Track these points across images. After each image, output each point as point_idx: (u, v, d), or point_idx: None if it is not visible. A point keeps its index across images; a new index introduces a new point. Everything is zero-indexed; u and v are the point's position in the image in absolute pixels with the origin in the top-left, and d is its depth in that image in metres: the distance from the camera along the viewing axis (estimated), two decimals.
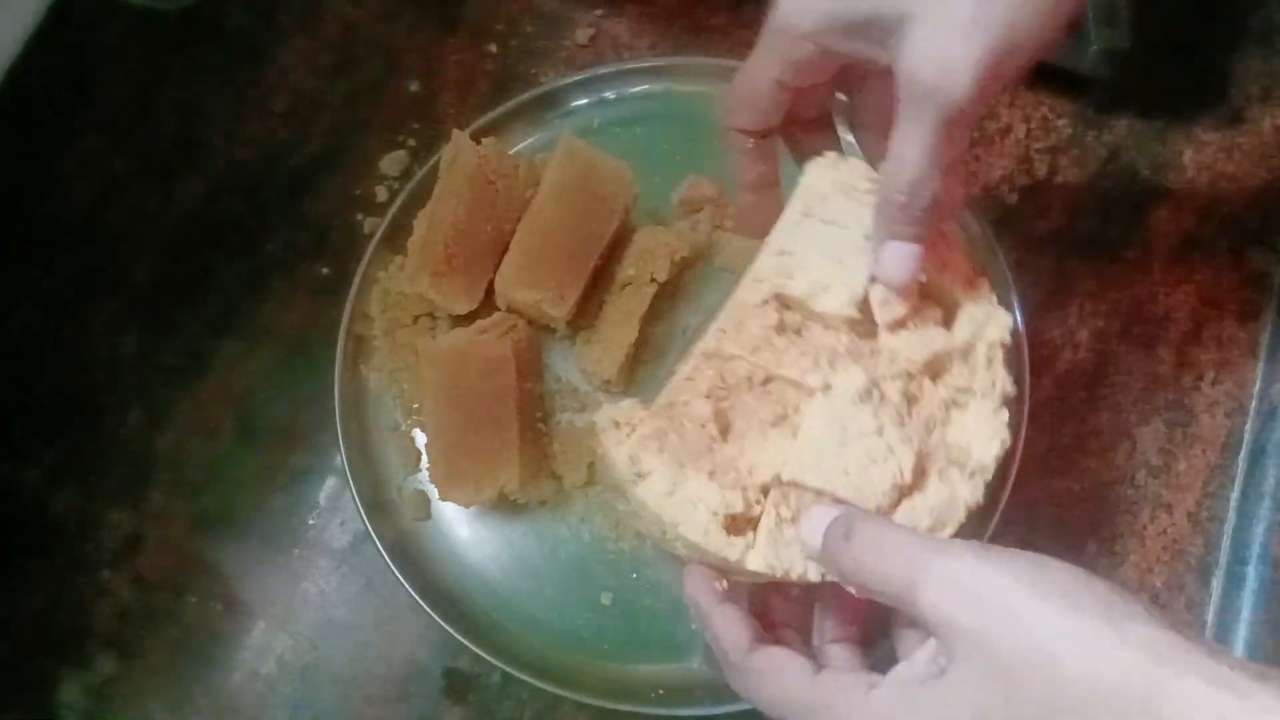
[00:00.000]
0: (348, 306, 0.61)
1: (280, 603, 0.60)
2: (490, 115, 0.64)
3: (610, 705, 0.56)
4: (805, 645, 0.46)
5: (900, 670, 0.39)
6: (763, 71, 0.47)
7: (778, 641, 0.43)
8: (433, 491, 0.58)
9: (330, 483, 0.62)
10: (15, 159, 0.67)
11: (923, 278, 0.46)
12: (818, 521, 0.42)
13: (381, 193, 0.67)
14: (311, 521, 0.61)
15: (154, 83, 0.70)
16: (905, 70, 0.41)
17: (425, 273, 0.58)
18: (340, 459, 0.59)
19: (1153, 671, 0.33)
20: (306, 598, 0.60)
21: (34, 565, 0.61)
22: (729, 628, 0.43)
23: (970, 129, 0.44)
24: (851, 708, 0.38)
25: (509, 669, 0.55)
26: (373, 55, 0.70)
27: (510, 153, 0.62)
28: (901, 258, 0.45)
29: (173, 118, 0.69)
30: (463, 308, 0.59)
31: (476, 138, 0.60)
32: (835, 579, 0.41)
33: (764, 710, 0.42)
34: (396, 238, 0.61)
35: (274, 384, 0.63)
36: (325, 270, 0.65)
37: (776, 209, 0.50)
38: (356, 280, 0.61)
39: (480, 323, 0.58)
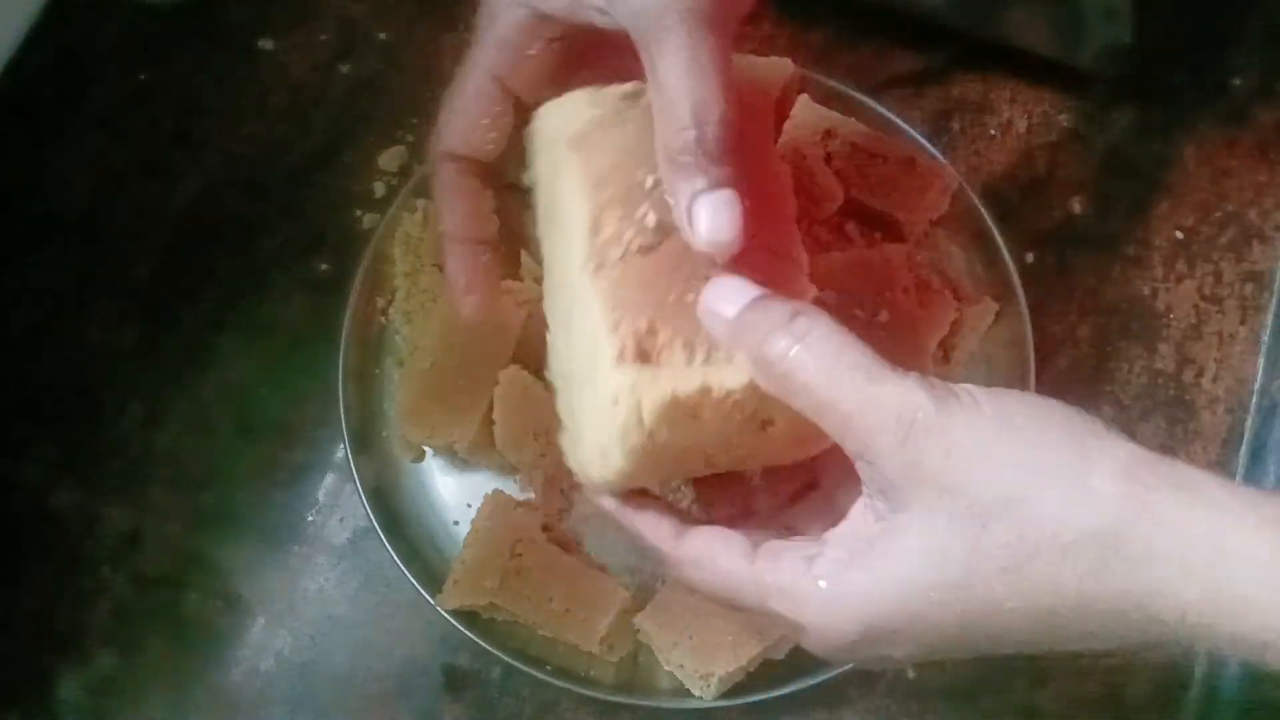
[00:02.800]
0: (372, 241, 0.61)
1: (279, 599, 0.60)
2: None
3: (612, 699, 0.56)
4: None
5: (840, 531, 0.35)
6: (475, 66, 0.41)
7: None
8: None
9: (330, 479, 0.62)
10: (12, 155, 0.67)
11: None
12: (733, 293, 0.35)
13: (380, 189, 0.66)
14: (311, 518, 0.61)
15: (152, 79, 0.69)
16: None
17: None
18: (338, 403, 0.59)
19: (1122, 506, 0.31)
20: (306, 594, 0.60)
21: (33, 562, 0.61)
22: (648, 522, 0.39)
23: (727, 37, 0.37)
24: (796, 581, 0.35)
25: (502, 654, 0.55)
26: (371, 51, 0.70)
27: None
28: (717, 208, 0.35)
29: (170, 114, 0.69)
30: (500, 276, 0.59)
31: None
32: (754, 373, 0.35)
33: (711, 600, 0.38)
34: (426, 186, 0.61)
35: (273, 380, 0.63)
36: (324, 266, 0.65)
37: (493, 272, 0.44)
38: (383, 223, 0.62)
39: (508, 282, 0.58)
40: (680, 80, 0.35)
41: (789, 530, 0.39)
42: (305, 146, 0.68)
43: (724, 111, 0.36)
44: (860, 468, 0.34)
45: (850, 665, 0.37)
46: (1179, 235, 0.65)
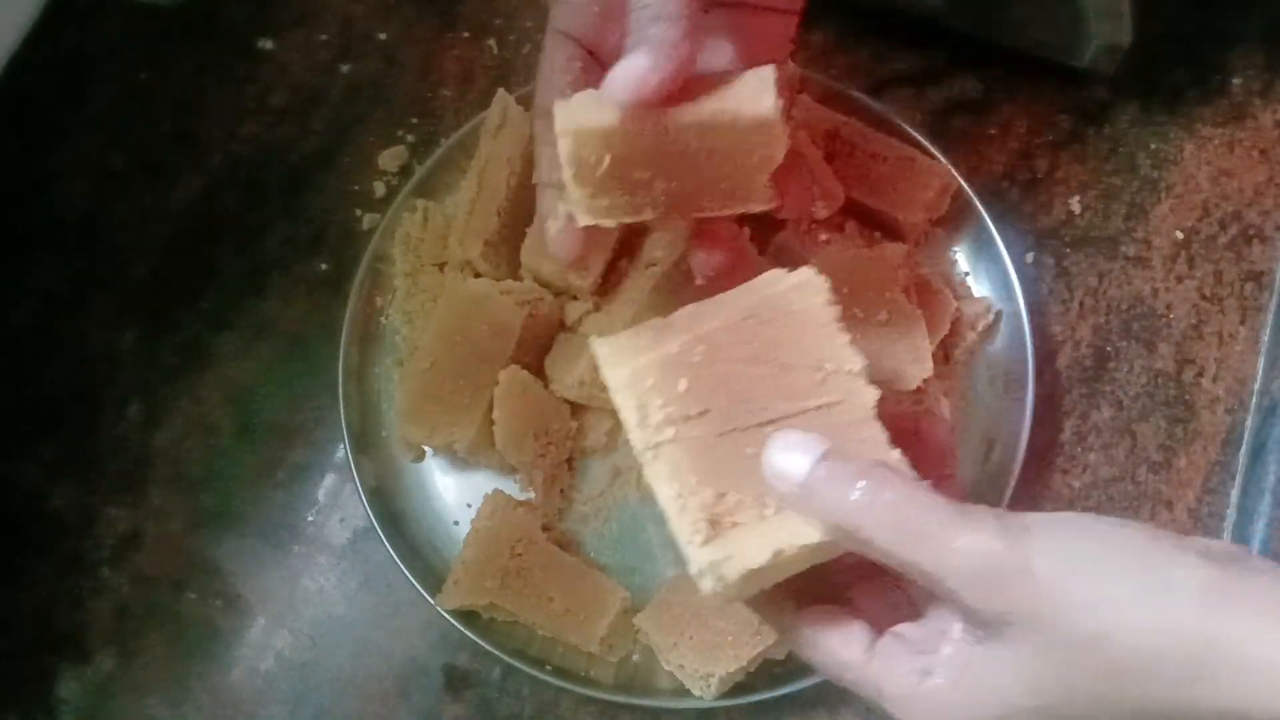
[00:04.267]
0: (372, 241, 0.62)
1: (279, 599, 0.60)
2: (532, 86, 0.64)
3: (612, 699, 0.56)
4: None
5: (944, 648, 0.37)
6: (550, 29, 0.45)
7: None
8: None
9: (330, 479, 0.62)
10: (12, 156, 0.67)
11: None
12: (799, 449, 0.37)
13: (380, 188, 0.66)
14: (311, 518, 0.61)
15: (151, 79, 0.69)
16: None
17: (479, 239, 0.58)
18: (338, 403, 0.59)
19: (1205, 622, 0.32)
20: (306, 594, 0.60)
21: (33, 562, 0.61)
22: (767, 604, 0.40)
23: None
24: (910, 694, 0.36)
25: (502, 654, 0.55)
26: (371, 50, 0.70)
27: None
28: (658, 48, 0.38)
29: (170, 114, 0.69)
30: (503, 277, 0.60)
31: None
32: (828, 533, 0.37)
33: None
34: (427, 187, 0.63)
35: (273, 380, 0.63)
36: (324, 266, 0.65)
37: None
38: (383, 223, 0.62)
39: (508, 282, 0.58)
40: None
41: (902, 588, 0.40)
42: (305, 146, 0.68)
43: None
44: (955, 608, 0.36)
45: None
46: (1179, 235, 0.65)
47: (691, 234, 0.47)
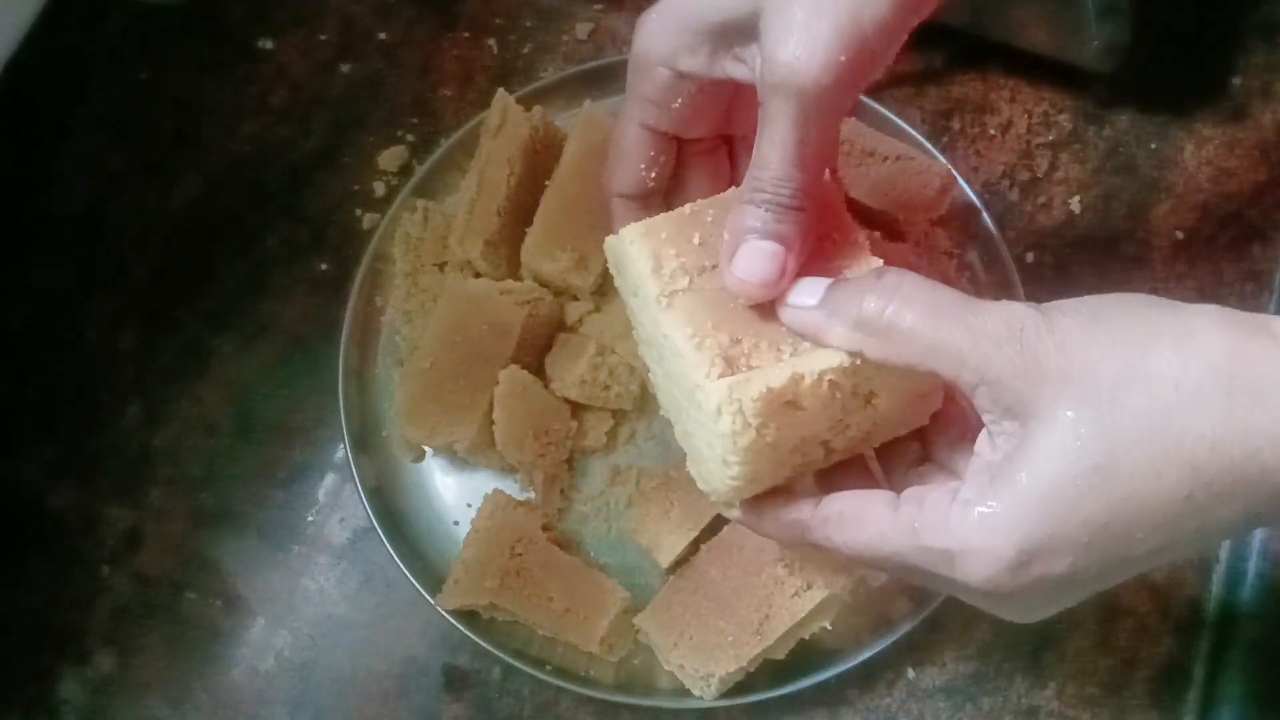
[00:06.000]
0: (372, 241, 0.62)
1: (279, 599, 0.60)
2: (531, 87, 0.64)
3: (612, 699, 0.56)
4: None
5: (974, 463, 0.36)
6: (630, 119, 0.45)
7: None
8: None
9: (330, 479, 0.62)
10: (13, 155, 0.67)
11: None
12: (811, 283, 0.38)
13: (380, 188, 0.66)
14: (311, 518, 0.61)
15: (152, 79, 0.69)
16: (760, 65, 0.39)
17: (479, 239, 0.59)
18: (338, 403, 0.59)
19: (1233, 342, 0.32)
20: (306, 594, 0.60)
21: (33, 562, 0.61)
22: (782, 504, 0.40)
23: (835, 117, 0.40)
24: (945, 513, 0.35)
25: (502, 654, 0.55)
26: (371, 50, 0.70)
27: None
28: (757, 254, 0.39)
29: (171, 114, 0.69)
30: (503, 277, 0.60)
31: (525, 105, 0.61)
32: (855, 351, 0.37)
33: (858, 560, 0.39)
34: (427, 186, 0.63)
35: (273, 380, 0.63)
36: (324, 266, 0.65)
37: None
38: (383, 223, 0.62)
39: (508, 282, 0.58)
40: (776, 150, 0.39)
41: None
42: (305, 146, 0.68)
43: (800, 186, 0.39)
44: (980, 397, 0.35)
45: (1023, 617, 0.37)
46: (1179, 235, 0.65)
47: None
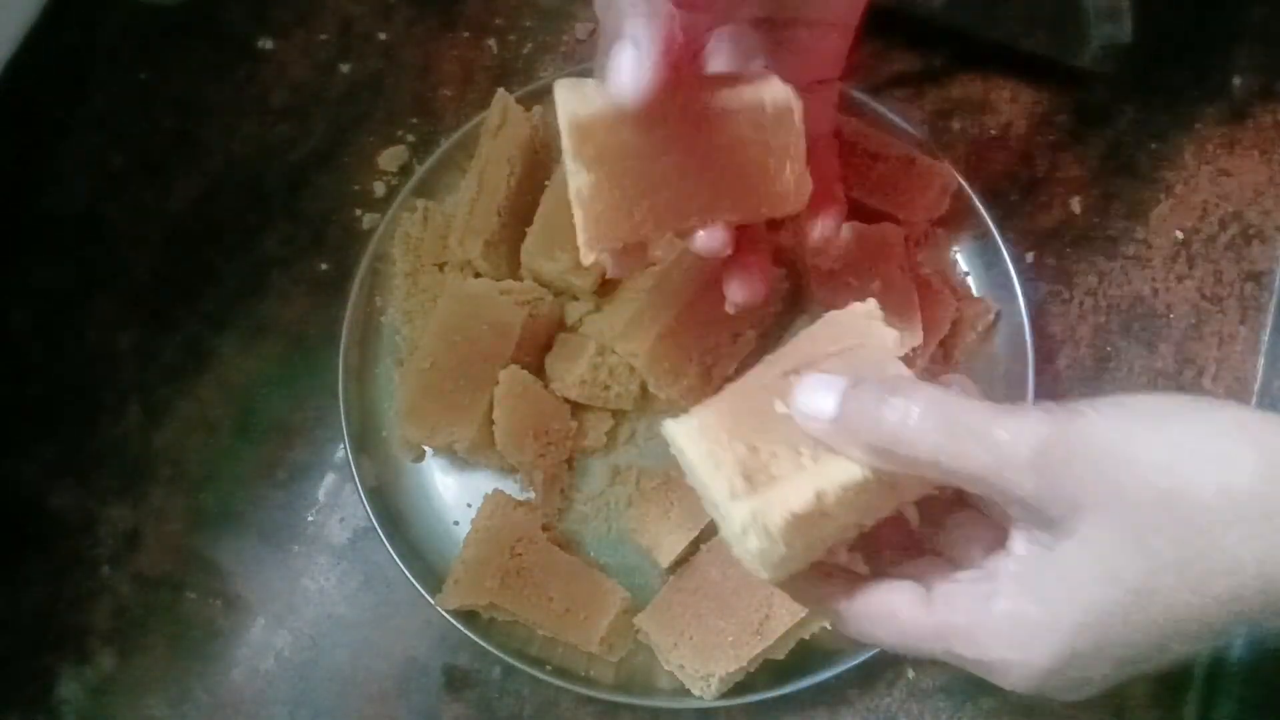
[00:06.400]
0: (372, 241, 0.62)
1: (280, 599, 0.60)
2: (531, 87, 0.64)
3: (612, 699, 0.56)
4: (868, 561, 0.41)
5: (1010, 567, 0.35)
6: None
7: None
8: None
9: (330, 479, 0.62)
10: (13, 155, 0.67)
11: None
12: (824, 387, 0.36)
13: (380, 188, 0.66)
14: (311, 518, 0.61)
15: (152, 79, 0.69)
16: None
17: (479, 239, 0.59)
18: (338, 403, 0.59)
19: (1269, 462, 0.31)
20: (306, 594, 0.60)
21: (33, 562, 0.61)
22: (820, 592, 0.39)
23: None
24: (979, 623, 0.35)
25: (502, 654, 0.55)
26: (371, 50, 0.70)
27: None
28: (626, 60, 0.36)
29: (171, 114, 0.69)
30: (503, 277, 0.60)
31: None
32: (873, 462, 0.36)
33: (893, 651, 0.38)
34: (427, 186, 0.63)
35: (273, 380, 0.63)
36: (324, 266, 0.65)
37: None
38: (383, 223, 0.62)
39: (508, 282, 0.58)
40: None
41: (955, 561, 0.39)
42: (305, 146, 0.68)
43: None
44: (1013, 510, 0.34)
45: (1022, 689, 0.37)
46: (1179, 235, 0.65)
47: (725, 262, 0.45)
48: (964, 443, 0.33)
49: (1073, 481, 0.32)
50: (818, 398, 0.36)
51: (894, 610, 0.37)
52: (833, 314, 0.41)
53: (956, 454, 0.33)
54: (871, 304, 0.41)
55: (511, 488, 0.59)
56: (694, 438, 0.38)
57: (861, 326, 0.40)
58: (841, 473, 0.36)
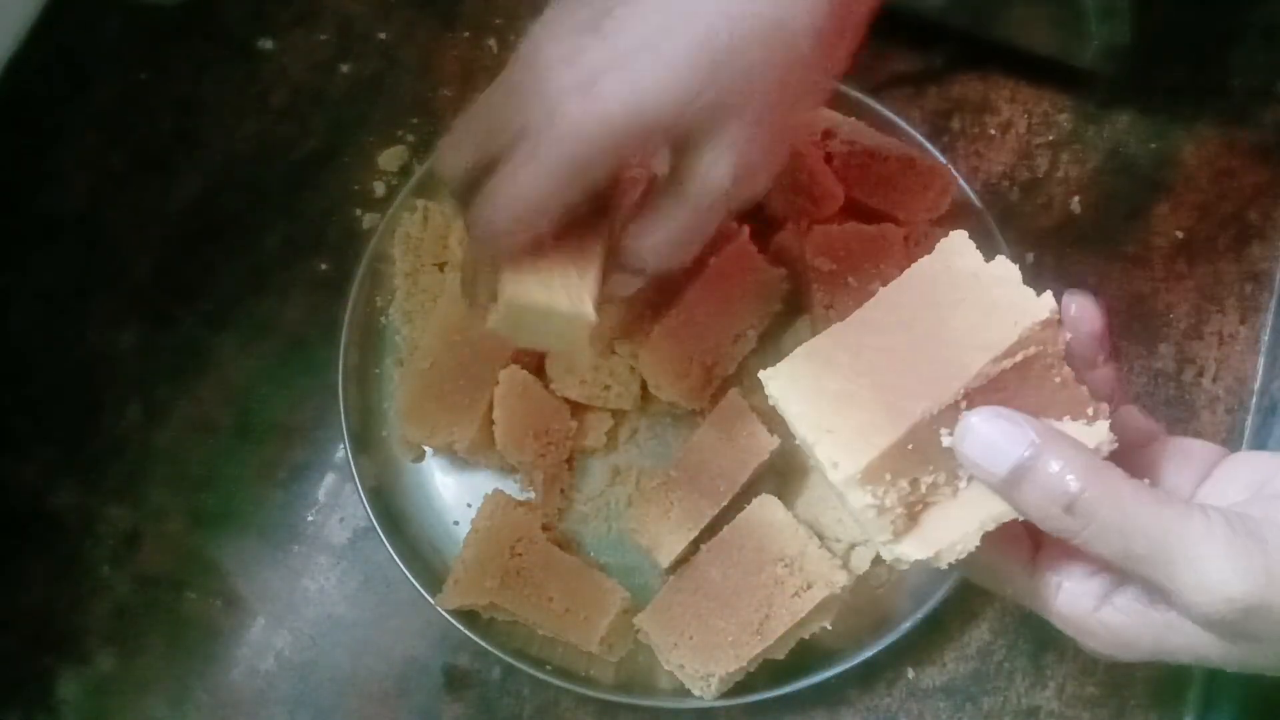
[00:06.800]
0: (372, 241, 0.62)
1: (279, 599, 0.60)
2: None
3: (612, 699, 0.56)
4: None
5: (1128, 595, 0.37)
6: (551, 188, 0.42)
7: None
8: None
9: (330, 479, 0.62)
10: (12, 154, 0.67)
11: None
12: (989, 433, 0.35)
13: (380, 188, 0.66)
14: (311, 518, 0.61)
15: (152, 78, 0.69)
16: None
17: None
18: (338, 403, 0.59)
19: None
20: (306, 594, 0.60)
21: (33, 561, 0.61)
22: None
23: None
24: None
25: (502, 654, 0.55)
26: (371, 50, 0.70)
27: None
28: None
29: (170, 113, 0.69)
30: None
31: None
32: (1044, 526, 0.35)
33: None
34: (427, 186, 0.63)
35: (273, 380, 0.63)
36: (324, 266, 0.65)
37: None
38: (383, 223, 0.62)
39: None
40: None
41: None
42: (305, 146, 0.68)
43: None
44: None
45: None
46: (1179, 235, 0.65)
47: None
48: (1147, 547, 0.34)
49: (1246, 627, 0.33)
50: (994, 454, 0.35)
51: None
52: (930, 263, 0.38)
53: (1136, 548, 0.34)
54: (1004, 262, 0.39)
55: (511, 488, 0.59)
56: (856, 488, 0.36)
57: (978, 284, 0.37)
58: (1001, 507, 0.36)
